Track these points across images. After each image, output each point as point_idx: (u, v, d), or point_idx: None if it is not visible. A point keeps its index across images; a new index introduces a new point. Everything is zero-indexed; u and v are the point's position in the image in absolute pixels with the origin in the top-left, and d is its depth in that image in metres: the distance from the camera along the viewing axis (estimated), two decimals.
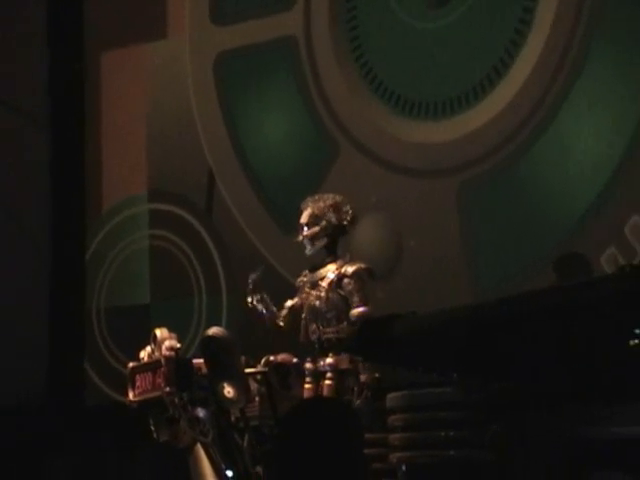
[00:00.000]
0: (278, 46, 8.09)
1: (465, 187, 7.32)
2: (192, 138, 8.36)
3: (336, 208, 6.22)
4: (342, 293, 6.13)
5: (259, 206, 8.04)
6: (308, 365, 6.12)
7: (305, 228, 6.21)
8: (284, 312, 6.26)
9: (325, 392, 5.98)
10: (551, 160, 7.03)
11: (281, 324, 6.25)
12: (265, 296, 6.21)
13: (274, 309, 6.24)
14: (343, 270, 6.16)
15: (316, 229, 6.20)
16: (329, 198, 6.25)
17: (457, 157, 7.38)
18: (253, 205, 8.08)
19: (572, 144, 6.98)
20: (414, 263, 7.43)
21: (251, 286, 6.20)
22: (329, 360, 6.07)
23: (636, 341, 4.35)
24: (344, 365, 6.04)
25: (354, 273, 6.13)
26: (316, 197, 6.28)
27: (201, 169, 8.33)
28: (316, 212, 6.21)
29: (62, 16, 8.98)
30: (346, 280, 6.12)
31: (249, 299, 6.22)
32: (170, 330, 6.17)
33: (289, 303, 6.26)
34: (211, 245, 8.31)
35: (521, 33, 7.16)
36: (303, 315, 6.23)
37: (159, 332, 6.12)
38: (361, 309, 6.07)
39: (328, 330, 6.14)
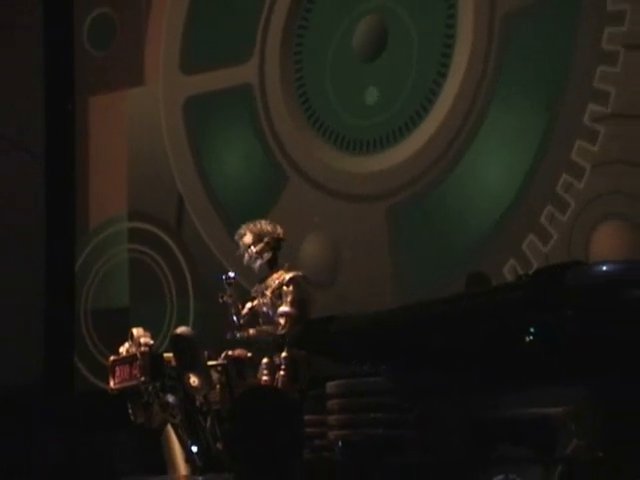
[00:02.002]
0: (237, 92, 8.08)
1: (392, 209, 7.34)
2: (164, 168, 8.32)
3: (273, 225, 6.20)
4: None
5: (220, 225, 8.00)
6: (265, 360, 6.07)
7: (252, 247, 6.16)
8: (245, 311, 6.21)
9: (280, 382, 5.93)
10: (462, 188, 7.06)
11: (241, 321, 6.19)
12: (234, 295, 6.14)
13: (239, 306, 6.19)
14: (282, 278, 6.14)
15: (262, 245, 6.16)
16: (258, 222, 6.22)
17: (386, 185, 7.39)
18: (215, 224, 8.05)
19: (479, 175, 7.02)
20: (350, 272, 7.43)
21: (227, 285, 6.12)
22: (284, 354, 6.02)
23: (531, 338, 4.38)
24: (296, 358, 5.99)
25: (290, 280, 6.11)
26: (245, 226, 6.23)
27: (172, 194, 8.29)
28: (257, 232, 6.18)
29: (56, 65, 8.92)
30: (284, 287, 6.10)
31: (221, 296, 6.14)
32: (145, 329, 6.14)
33: (249, 305, 6.22)
34: (180, 257, 8.27)
35: (438, 83, 7.20)
36: (260, 320, 6.20)
37: (135, 331, 6.09)
38: (286, 309, 6.03)
39: (277, 330, 6.11)
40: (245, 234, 6.19)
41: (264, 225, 6.20)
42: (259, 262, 6.16)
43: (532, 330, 4.34)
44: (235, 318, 6.14)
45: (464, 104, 7.05)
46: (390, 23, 7.45)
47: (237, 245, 6.26)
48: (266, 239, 6.15)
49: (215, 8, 8.25)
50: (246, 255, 6.17)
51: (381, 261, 7.31)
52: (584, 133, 6.59)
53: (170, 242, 8.32)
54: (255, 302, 6.21)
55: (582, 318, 4.19)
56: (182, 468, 5.95)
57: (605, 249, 6.47)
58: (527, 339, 4.37)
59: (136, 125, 8.53)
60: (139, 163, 8.50)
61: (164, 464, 6.05)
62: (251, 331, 6.10)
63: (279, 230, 6.20)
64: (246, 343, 6.09)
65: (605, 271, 4.32)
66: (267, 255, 6.16)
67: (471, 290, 5.69)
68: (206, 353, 5.99)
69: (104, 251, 8.62)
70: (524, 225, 6.76)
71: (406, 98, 7.33)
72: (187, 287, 8.21)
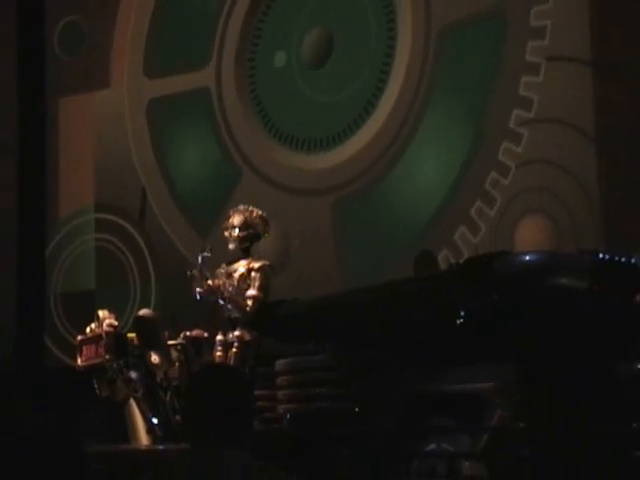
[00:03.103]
0: (196, 95, 8.04)
1: (337, 203, 7.35)
2: (129, 164, 8.26)
3: (264, 221, 6.08)
4: (249, 283, 6.04)
5: (180, 216, 7.97)
6: (219, 337, 6.01)
7: (237, 230, 6.03)
8: (205, 286, 6.10)
9: (232, 359, 5.89)
10: (401, 184, 7.09)
11: (203, 296, 6.03)
12: (205, 270, 6.00)
13: (204, 283, 6.02)
14: (251, 265, 6.06)
15: (245, 233, 6.06)
16: (255, 210, 6.08)
17: (331, 180, 7.40)
18: (175, 215, 8.01)
19: (416, 174, 7.06)
20: (298, 260, 7.43)
21: (200, 261, 5.99)
22: (237, 333, 5.97)
23: (461, 320, 4.40)
24: (248, 337, 5.95)
25: (259, 268, 6.04)
26: (242, 207, 6.10)
27: (136, 187, 8.22)
28: (248, 220, 6.04)
29: (29, 68, 8.81)
30: (253, 273, 6.04)
31: (190, 270, 6.02)
32: (110, 311, 6.09)
33: (210, 282, 6.08)
34: (143, 245, 8.21)
35: (380, 89, 7.22)
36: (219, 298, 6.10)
37: (101, 312, 6.04)
38: (254, 292, 5.97)
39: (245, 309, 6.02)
40: (239, 214, 6.02)
41: (258, 215, 6.06)
42: (235, 245, 6.02)
43: (463, 313, 4.36)
44: (198, 290, 6.01)
45: (403, 108, 7.09)
46: (335, 35, 7.46)
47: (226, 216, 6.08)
48: (252, 230, 6.04)
49: (176, 17, 8.21)
50: (228, 232, 6.03)
51: (327, 250, 7.31)
52: (510, 136, 6.65)
53: (134, 232, 8.26)
54: (220, 281, 6.11)
55: (507, 302, 4.22)
56: (144, 438, 5.92)
57: (528, 240, 6.53)
58: (458, 321, 4.39)
59: (103, 125, 8.45)
60: (106, 159, 8.43)
61: (127, 435, 6.00)
62: (226, 293, 5.96)
63: (267, 229, 6.07)
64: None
65: (528, 260, 4.36)
66: (245, 244, 6.04)
67: (408, 277, 5.70)
68: (166, 333, 5.94)
69: (73, 239, 8.54)
70: (456, 218, 6.80)
71: (350, 102, 7.35)
72: (149, 273, 8.16)
